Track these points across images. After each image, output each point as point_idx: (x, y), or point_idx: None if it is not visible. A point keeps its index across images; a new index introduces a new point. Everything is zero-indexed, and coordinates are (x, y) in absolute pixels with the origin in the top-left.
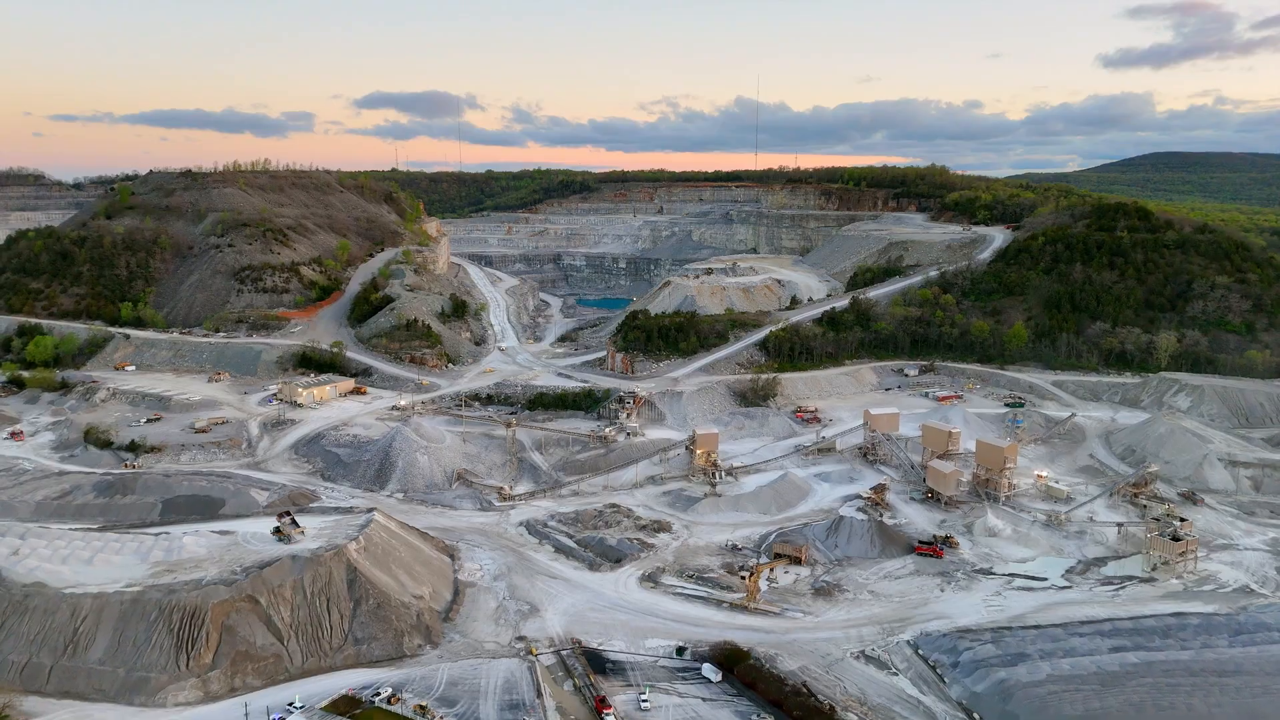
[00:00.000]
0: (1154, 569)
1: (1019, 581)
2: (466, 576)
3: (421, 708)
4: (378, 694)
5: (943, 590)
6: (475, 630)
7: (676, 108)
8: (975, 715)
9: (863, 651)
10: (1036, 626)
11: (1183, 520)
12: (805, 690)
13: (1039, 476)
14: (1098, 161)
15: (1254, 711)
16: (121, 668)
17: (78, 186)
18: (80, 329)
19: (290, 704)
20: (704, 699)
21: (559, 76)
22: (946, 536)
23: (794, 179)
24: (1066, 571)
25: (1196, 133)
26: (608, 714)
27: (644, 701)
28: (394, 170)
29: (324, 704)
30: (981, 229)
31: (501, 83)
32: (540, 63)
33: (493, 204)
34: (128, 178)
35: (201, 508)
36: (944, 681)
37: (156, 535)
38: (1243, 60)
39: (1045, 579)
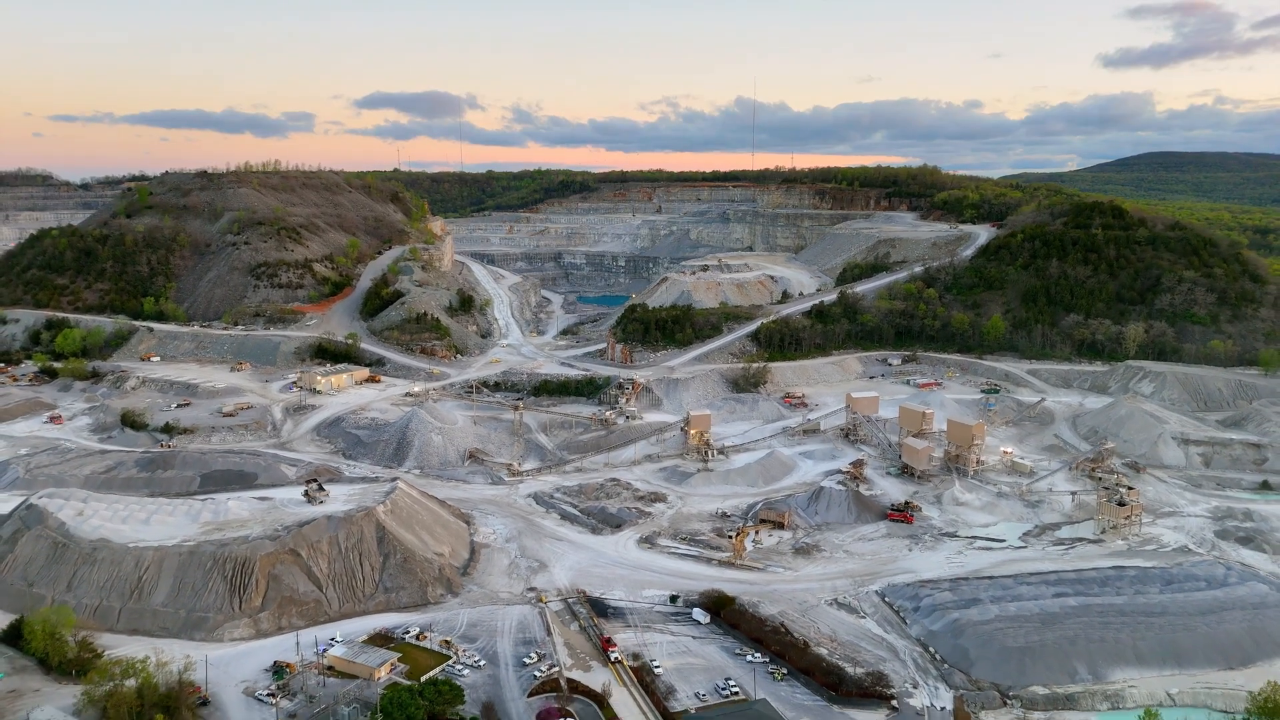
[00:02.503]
0: (1103, 532)
1: (980, 542)
2: (481, 539)
3: (446, 642)
4: (408, 632)
5: (910, 550)
6: (491, 582)
7: (676, 108)
8: (930, 648)
9: (836, 599)
10: (990, 577)
11: (1130, 488)
12: (783, 629)
13: (1005, 452)
14: (1096, 161)
15: (1175, 644)
16: (182, 609)
17: (85, 187)
18: (106, 322)
19: (332, 639)
20: (694, 637)
21: (559, 76)
22: (906, 502)
23: (789, 179)
24: (1024, 534)
25: (1196, 132)
26: (613, 651)
27: (656, 666)
28: (396, 170)
29: (363, 638)
30: (968, 227)
31: (501, 83)
32: (540, 63)
33: (494, 204)
34: (134, 178)
35: (236, 480)
36: (905, 623)
37: (203, 501)
38: (1243, 60)
39: (1004, 540)
